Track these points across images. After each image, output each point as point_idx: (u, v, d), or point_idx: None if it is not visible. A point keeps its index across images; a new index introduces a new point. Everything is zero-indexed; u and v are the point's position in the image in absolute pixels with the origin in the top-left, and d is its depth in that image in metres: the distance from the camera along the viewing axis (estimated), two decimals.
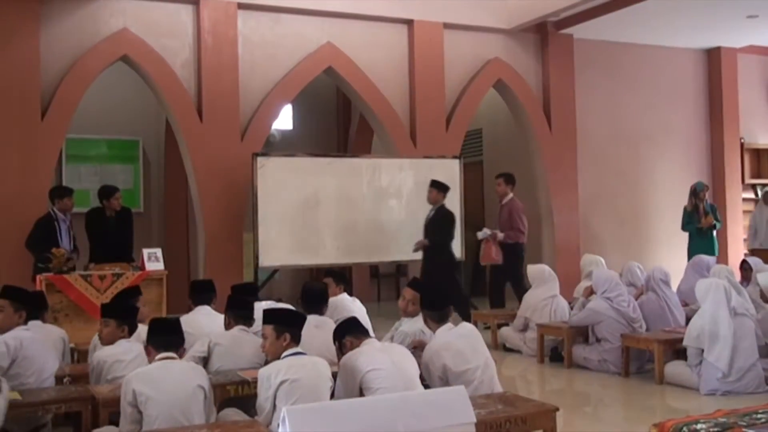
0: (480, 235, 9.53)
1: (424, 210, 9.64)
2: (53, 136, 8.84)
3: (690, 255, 9.70)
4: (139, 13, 9.28)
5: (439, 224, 8.92)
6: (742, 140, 13.03)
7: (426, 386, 4.51)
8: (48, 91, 8.82)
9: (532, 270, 8.24)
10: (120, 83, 10.69)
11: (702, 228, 10.18)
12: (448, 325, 4.90)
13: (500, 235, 9.37)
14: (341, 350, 4.52)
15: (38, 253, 7.79)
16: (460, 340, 4.74)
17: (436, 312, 4.98)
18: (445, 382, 4.59)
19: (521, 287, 9.02)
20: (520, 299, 8.52)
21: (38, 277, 7.22)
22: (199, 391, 3.98)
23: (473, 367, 4.66)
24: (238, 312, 5.33)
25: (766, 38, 12.36)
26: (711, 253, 9.70)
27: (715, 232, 10.49)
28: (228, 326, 5.35)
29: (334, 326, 4.76)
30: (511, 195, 9.66)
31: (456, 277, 9.00)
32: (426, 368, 4.71)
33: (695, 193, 10.33)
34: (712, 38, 12.26)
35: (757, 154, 13.41)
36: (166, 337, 4.17)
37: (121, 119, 11.28)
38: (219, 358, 5.05)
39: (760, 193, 13.47)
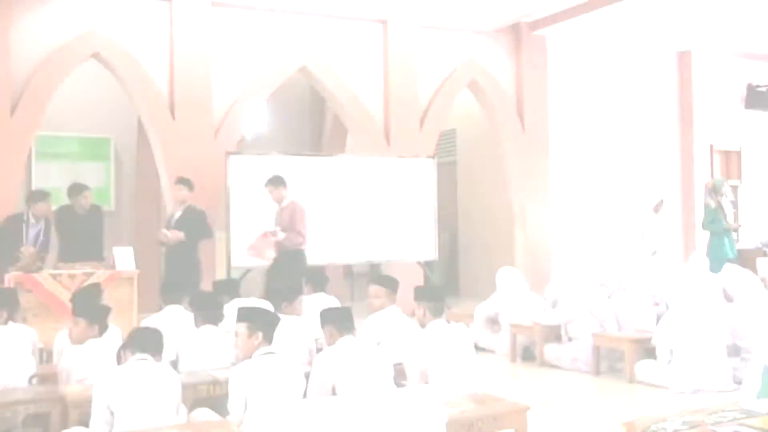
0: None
1: (399, 209, 9.63)
2: (23, 133, 8.73)
3: (711, 254, 9.25)
4: (112, 10, 9.20)
5: (193, 223, 8.27)
6: (713, 143, 13.17)
7: (399, 386, 4.51)
8: (18, 87, 8.70)
9: (500, 273, 8.36)
10: (92, 80, 10.55)
11: (729, 228, 9.61)
12: (442, 321, 4.86)
13: (281, 235, 8.05)
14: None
15: None
16: (448, 340, 4.71)
17: (434, 303, 4.89)
18: (425, 378, 4.59)
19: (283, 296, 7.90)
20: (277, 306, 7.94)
21: (6, 276, 7.12)
22: (170, 393, 3.96)
23: (453, 369, 4.62)
24: (203, 313, 5.28)
25: (738, 42, 12.52)
26: (731, 252, 9.44)
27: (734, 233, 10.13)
28: (196, 326, 5.31)
29: None
30: (290, 198, 8.35)
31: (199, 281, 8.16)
32: (410, 360, 4.69)
33: (716, 189, 9.64)
34: (684, 41, 12.38)
35: (727, 156, 13.55)
36: (144, 341, 4.13)
37: (93, 117, 11.14)
38: (188, 358, 5.02)
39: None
